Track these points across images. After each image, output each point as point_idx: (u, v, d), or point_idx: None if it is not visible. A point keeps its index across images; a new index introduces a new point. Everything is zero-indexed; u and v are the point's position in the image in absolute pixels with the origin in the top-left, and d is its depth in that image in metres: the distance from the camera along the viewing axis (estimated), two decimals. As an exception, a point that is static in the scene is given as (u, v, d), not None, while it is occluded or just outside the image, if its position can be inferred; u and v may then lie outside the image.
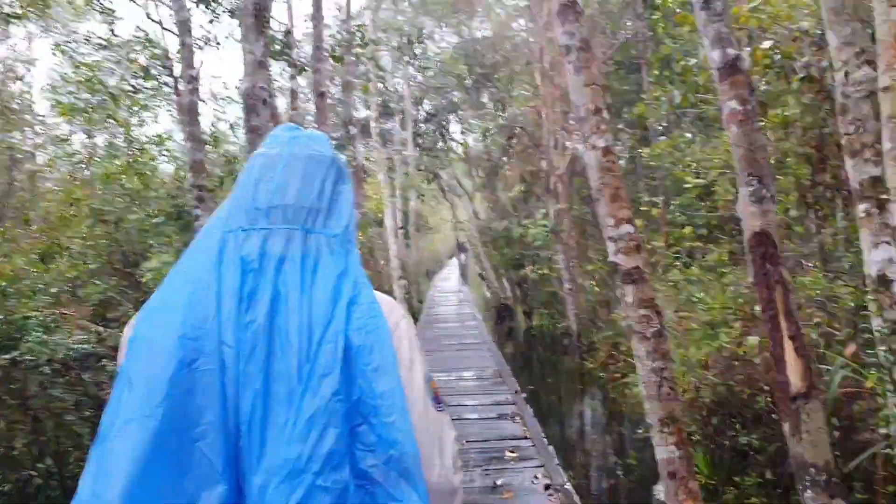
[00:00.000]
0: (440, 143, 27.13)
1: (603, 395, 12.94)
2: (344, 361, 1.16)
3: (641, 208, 9.92)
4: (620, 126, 16.38)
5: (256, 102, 6.81)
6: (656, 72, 9.71)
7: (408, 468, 1.15)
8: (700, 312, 9.39)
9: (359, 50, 10.07)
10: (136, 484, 1.05)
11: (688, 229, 8.81)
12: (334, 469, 1.10)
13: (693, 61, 6.34)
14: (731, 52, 3.67)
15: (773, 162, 8.59)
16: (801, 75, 5.24)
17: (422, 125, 26.17)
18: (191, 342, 1.15)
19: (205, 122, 13.20)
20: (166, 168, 12.80)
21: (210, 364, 1.15)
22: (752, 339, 7.28)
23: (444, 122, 26.08)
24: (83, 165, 12.46)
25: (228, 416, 1.14)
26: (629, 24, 15.17)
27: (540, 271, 19.20)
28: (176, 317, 1.17)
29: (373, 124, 19.10)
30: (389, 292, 21.44)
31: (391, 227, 19.56)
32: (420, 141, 25.84)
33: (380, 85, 21.37)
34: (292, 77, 8.94)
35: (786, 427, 3.40)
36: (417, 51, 18.48)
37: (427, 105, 26.24)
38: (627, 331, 3.80)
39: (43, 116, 16.21)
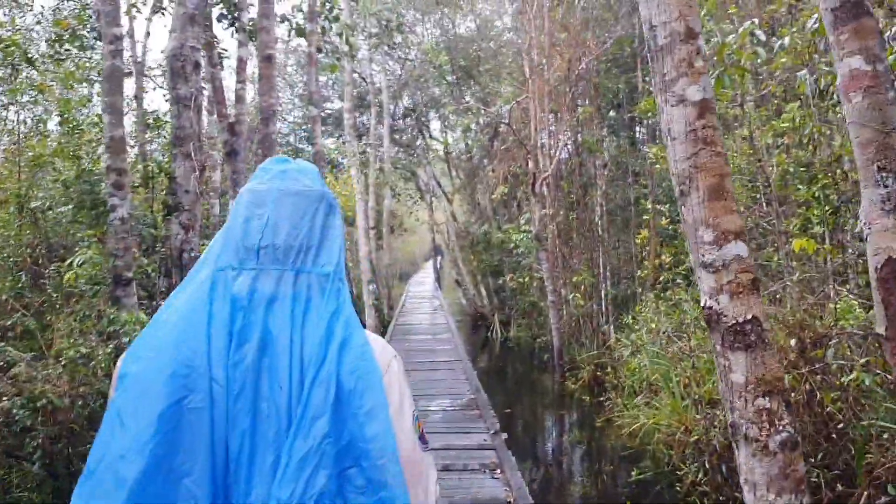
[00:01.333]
0: (419, 141, 25.80)
1: (583, 419, 11.72)
2: (335, 404, 1.18)
3: (645, 217, 8.70)
4: (604, 131, 15.25)
5: (185, 65, 5.45)
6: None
7: None
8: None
9: (326, 23, 8.76)
10: None
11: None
12: None
13: (732, 36, 5.09)
14: (856, -17, 2.42)
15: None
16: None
17: (399, 121, 24.82)
18: (181, 379, 1.17)
19: (156, 103, 11.80)
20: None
21: (200, 402, 1.16)
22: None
23: (424, 119, 24.75)
24: (14, 146, 10.99)
25: (216, 453, 1.15)
26: (619, 23, 13.94)
27: (520, 280, 18.00)
28: (166, 354, 1.19)
29: (346, 115, 17.74)
30: (358, 297, 20.09)
31: (362, 226, 18.19)
32: (397, 137, 24.50)
33: (355, 74, 20.06)
34: (241, 44, 7.54)
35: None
36: (397, 39, 17.11)
37: (406, 100, 24.90)
38: (732, 431, 2.35)
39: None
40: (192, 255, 5.52)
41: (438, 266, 38.23)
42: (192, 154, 5.38)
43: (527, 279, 17.64)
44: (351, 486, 1.15)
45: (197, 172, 5.36)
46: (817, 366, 6.45)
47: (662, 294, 9.23)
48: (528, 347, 18.68)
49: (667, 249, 7.95)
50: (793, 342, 6.18)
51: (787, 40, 4.79)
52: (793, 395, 6.55)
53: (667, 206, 8.26)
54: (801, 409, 6.61)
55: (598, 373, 13.01)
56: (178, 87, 5.40)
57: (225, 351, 1.18)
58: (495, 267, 22.15)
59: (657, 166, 8.39)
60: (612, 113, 16.24)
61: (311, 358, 1.19)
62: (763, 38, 4.91)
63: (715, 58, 5.09)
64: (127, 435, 1.11)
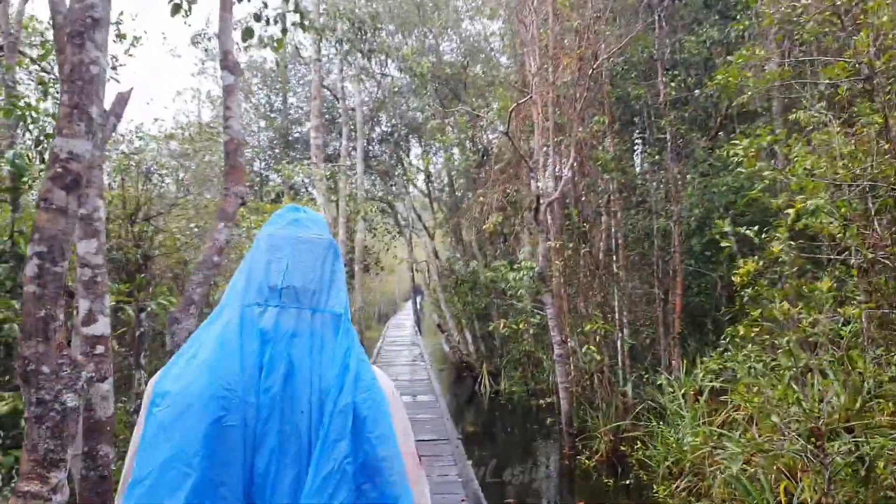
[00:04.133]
0: (398, 170, 23.23)
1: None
2: (352, 429, 1.35)
3: (724, 243, 6.04)
4: (627, 145, 12.76)
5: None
6: (744, 23, 5.94)
7: None
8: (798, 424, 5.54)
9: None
10: None
11: (825, 283, 4.94)
12: None
13: None
14: None
15: None
16: None
17: (375, 146, 22.29)
18: (221, 400, 1.32)
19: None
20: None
21: (235, 420, 1.32)
22: None
23: (403, 144, 22.21)
24: None
25: (245, 467, 1.32)
26: (638, 17, 11.54)
27: (514, 326, 15.26)
28: (206, 377, 1.34)
29: (312, 134, 15.20)
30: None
31: (330, 263, 15.45)
32: (373, 164, 21.92)
33: (325, 91, 17.55)
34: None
35: None
36: (373, 45, 14.65)
37: (383, 124, 22.40)
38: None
39: None
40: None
41: (419, 307, 35.43)
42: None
43: (522, 325, 14.90)
44: (365, 499, 1.33)
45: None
46: None
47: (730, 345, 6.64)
48: (523, 405, 15.94)
49: (807, 305, 5.13)
50: None
51: None
52: None
53: (745, 228, 5.68)
54: None
55: (621, 446, 10.36)
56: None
57: (256, 378, 1.35)
58: (483, 310, 19.50)
59: (741, 170, 5.84)
60: (623, 126, 13.80)
61: (330, 389, 1.37)
62: None
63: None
64: (173, 446, 1.27)
